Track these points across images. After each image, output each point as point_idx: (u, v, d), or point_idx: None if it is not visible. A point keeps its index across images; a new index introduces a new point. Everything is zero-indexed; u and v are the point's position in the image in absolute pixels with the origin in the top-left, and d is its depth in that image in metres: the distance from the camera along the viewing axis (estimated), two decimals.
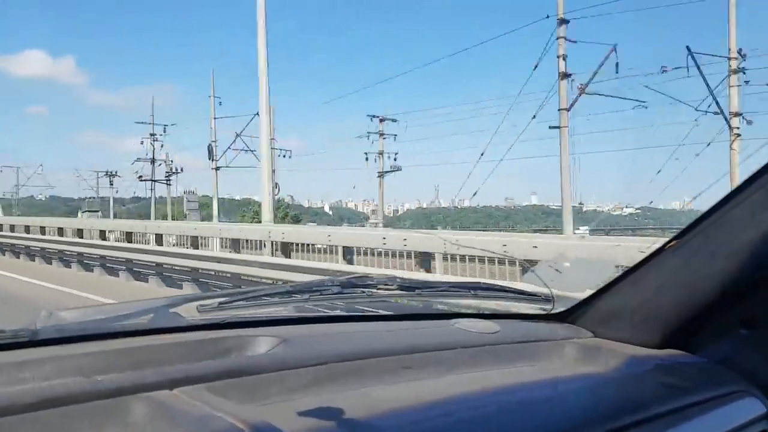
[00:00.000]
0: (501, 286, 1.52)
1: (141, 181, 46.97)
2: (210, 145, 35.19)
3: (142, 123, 45.94)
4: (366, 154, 36.27)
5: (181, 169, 47.44)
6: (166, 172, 46.58)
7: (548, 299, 1.39)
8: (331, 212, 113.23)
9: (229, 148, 35.16)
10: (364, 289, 1.32)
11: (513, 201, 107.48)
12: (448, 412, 0.86)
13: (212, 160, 34.95)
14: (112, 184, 55.23)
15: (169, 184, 46.87)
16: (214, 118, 35.35)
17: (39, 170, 65.54)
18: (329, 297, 1.29)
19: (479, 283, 1.47)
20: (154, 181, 46.61)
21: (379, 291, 1.32)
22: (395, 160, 36.34)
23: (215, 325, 1.09)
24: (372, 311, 1.36)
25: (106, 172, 56.27)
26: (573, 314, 1.34)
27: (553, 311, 1.38)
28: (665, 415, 0.96)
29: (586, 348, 1.21)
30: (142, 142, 46.21)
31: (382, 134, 35.41)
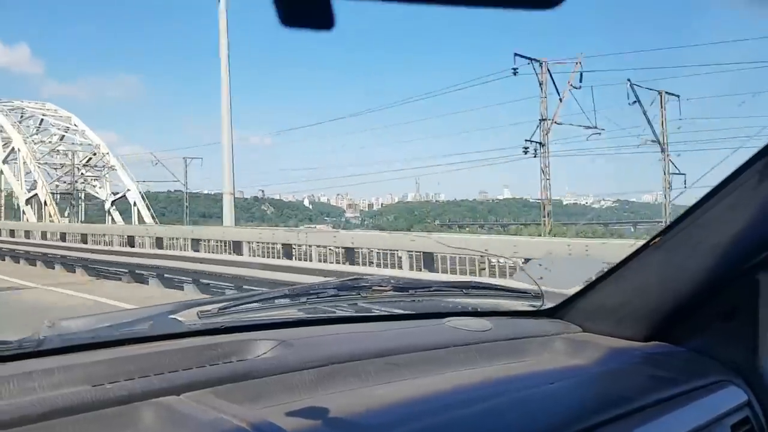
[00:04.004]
0: (492, 284, 1.55)
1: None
2: None
3: None
4: None
5: None
6: None
7: (538, 296, 1.43)
8: (311, 207, 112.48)
9: None
10: (359, 291, 1.35)
11: (487, 194, 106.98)
12: (444, 409, 0.89)
13: None
14: None
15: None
16: None
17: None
18: (326, 299, 1.32)
19: (471, 282, 1.50)
20: None
21: (374, 292, 1.35)
22: None
23: (216, 330, 1.11)
24: (368, 312, 1.39)
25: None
26: (562, 310, 1.38)
27: (542, 308, 1.42)
28: (652, 405, 1.00)
29: (575, 343, 1.25)
30: None
31: None
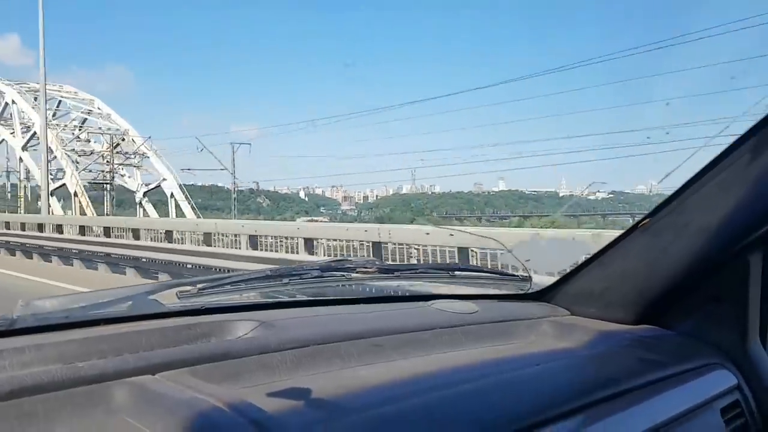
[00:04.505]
0: (478, 267, 1.54)
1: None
2: None
3: None
4: None
5: None
6: None
7: (525, 279, 1.42)
8: (306, 199, 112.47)
9: None
10: (343, 273, 1.32)
11: (482, 186, 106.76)
12: (428, 390, 0.88)
13: None
14: None
15: None
16: None
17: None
18: (308, 281, 1.30)
19: (457, 264, 1.49)
20: None
21: (358, 274, 1.33)
22: None
23: (195, 310, 1.09)
24: (351, 294, 1.37)
25: None
26: (549, 293, 1.37)
27: (530, 291, 1.40)
28: (641, 388, 0.98)
29: (563, 326, 1.23)
30: None
31: None
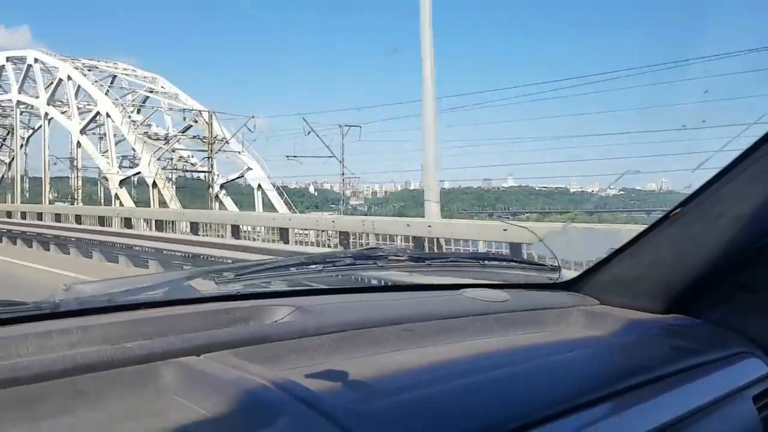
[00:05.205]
0: (509, 256, 1.55)
1: None
2: None
3: None
4: None
5: None
6: None
7: (555, 268, 1.43)
8: (316, 194, 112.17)
9: None
10: (375, 260, 1.34)
11: (491, 182, 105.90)
12: (463, 374, 0.89)
13: None
14: None
15: None
16: None
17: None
18: (342, 268, 1.31)
19: (487, 253, 1.50)
20: None
21: (391, 262, 1.35)
22: None
23: (233, 296, 1.11)
24: (384, 282, 1.39)
25: None
26: (579, 282, 1.37)
27: (559, 280, 1.41)
28: (671, 375, 0.99)
29: (593, 314, 1.24)
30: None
31: None
